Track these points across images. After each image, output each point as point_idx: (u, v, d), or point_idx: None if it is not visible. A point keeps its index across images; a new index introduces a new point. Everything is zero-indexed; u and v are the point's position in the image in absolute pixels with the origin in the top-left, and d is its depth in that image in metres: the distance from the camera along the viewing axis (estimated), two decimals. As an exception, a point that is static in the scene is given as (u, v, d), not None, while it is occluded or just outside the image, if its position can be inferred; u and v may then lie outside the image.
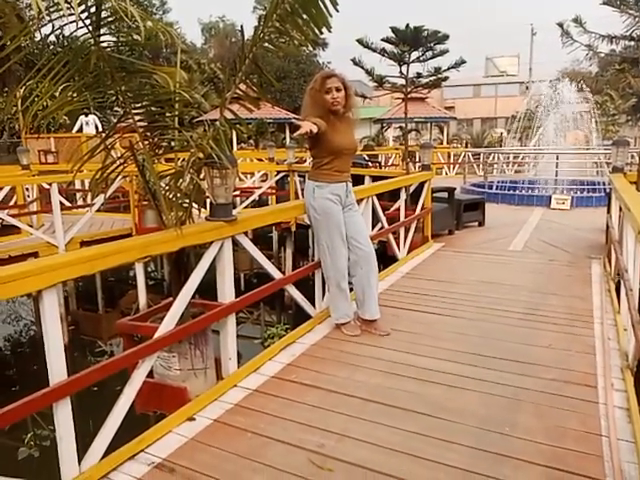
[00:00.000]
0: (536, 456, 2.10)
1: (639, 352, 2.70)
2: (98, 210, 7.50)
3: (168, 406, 2.49)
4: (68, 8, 1.91)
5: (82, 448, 2.01)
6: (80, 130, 12.75)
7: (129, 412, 2.22)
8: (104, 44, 2.42)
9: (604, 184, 9.96)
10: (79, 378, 1.96)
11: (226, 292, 2.77)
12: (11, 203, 8.09)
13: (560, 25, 6.25)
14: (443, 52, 7.50)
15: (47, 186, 7.09)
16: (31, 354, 7.05)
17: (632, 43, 6.37)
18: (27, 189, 8.41)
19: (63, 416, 1.91)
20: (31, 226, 7.35)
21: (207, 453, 2.18)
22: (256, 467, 2.07)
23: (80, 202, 9.36)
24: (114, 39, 2.58)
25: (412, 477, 1.98)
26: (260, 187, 9.60)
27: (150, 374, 2.48)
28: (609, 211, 5.56)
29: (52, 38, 2.58)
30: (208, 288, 2.82)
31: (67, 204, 8.40)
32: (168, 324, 2.41)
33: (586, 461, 2.07)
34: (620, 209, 4.16)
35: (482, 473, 2.00)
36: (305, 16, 2.56)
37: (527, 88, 28.02)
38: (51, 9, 2.08)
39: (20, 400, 1.77)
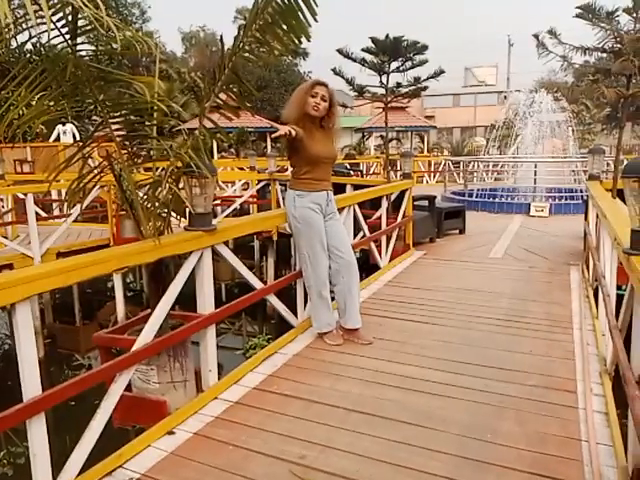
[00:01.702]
0: (518, 462, 2.11)
1: (616, 357, 2.74)
2: (75, 220, 7.38)
3: (147, 420, 2.43)
4: (37, 18, 1.87)
5: (58, 465, 1.95)
6: (57, 139, 12.57)
7: (107, 427, 2.17)
8: (82, 53, 2.39)
9: (582, 191, 10.16)
10: (54, 393, 1.90)
11: (206, 303, 2.74)
12: (-15, 214, 7.92)
13: (536, 36, 6.39)
14: (422, 62, 7.60)
15: (22, 196, 6.96)
16: (4, 369, 6.86)
17: (604, 55, 6.54)
18: (1, 199, 8.24)
19: (37, 432, 1.85)
20: (6, 237, 7.19)
21: (188, 467, 2.13)
22: (237, 481, 2.03)
23: (57, 212, 9.19)
24: (92, 48, 2.55)
25: (395, 487, 1.97)
26: (241, 196, 9.57)
27: (128, 387, 2.43)
28: (586, 218, 5.67)
29: (28, 46, 2.55)
30: (188, 299, 2.79)
31: (43, 214, 8.25)
32: (146, 336, 2.37)
33: (567, 466, 2.08)
34: (597, 216, 4.24)
35: (465, 481, 1.99)
36: (285, 26, 2.57)
37: (505, 97, 28.54)
38: (26, 17, 2.05)
39: (-9, 417, 1.71)
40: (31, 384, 1.83)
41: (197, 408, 2.60)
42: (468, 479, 2.01)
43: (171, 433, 2.39)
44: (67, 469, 1.98)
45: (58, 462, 1.96)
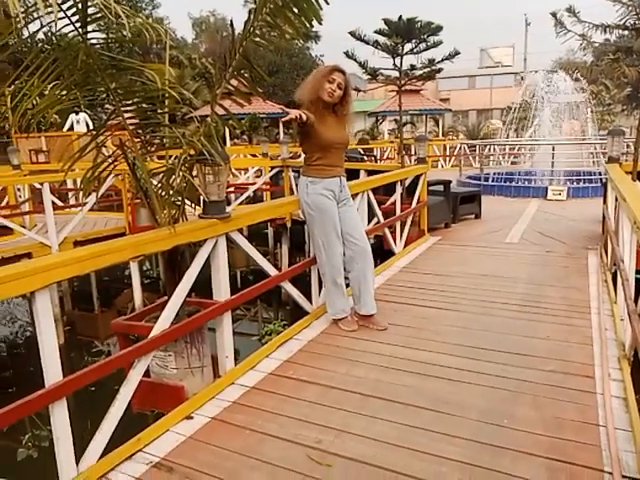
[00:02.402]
0: (535, 447, 2.10)
1: (635, 342, 2.70)
2: (91, 209, 7.45)
3: (165, 405, 2.47)
4: (47, 7, 1.87)
5: (80, 448, 2.00)
6: (71, 129, 12.67)
7: (126, 412, 2.21)
8: (92, 41, 2.38)
9: (600, 174, 9.97)
10: (75, 379, 1.94)
11: (221, 290, 2.75)
12: (2, 204, 8.04)
13: (554, 15, 6.22)
14: (437, 43, 7.45)
15: (39, 186, 7.04)
16: (27, 355, 7.02)
17: (626, 32, 6.35)
18: (19, 189, 8.35)
19: (59, 417, 1.90)
20: (24, 227, 7.30)
21: (205, 451, 2.16)
22: (254, 464, 2.06)
23: (72, 201, 9.30)
24: (103, 36, 2.55)
25: (412, 471, 1.98)
26: (254, 183, 9.56)
27: (147, 373, 2.46)
28: (605, 202, 5.55)
29: (40, 35, 2.55)
30: (204, 286, 2.81)
31: (59, 204, 8.35)
32: (163, 323, 2.39)
33: (584, 451, 2.07)
34: (616, 199, 4.16)
35: (482, 466, 2.00)
36: (296, 9, 2.53)
37: (522, 79, 27.98)
38: (36, 6, 2.04)
39: (16, 402, 1.75)
40: (52, 370, 1.87)
41: (214, 393, 2.63)
42: (485, 464, 2.01)
43: (189, 418, 2.43)
44: (89, 452, 2.02)
45: (80, 445, 2.00)
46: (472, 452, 2.09)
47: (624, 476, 1.90)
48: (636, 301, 2.64)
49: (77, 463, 1.96)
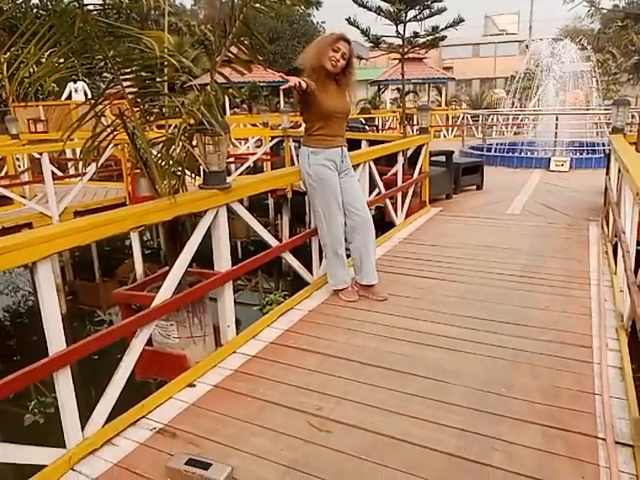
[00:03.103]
0: (532, 415, 2.15)
1: (634, 313, 2.72)
2: (91, 179, 7.41)
3: (168, 373, 2.51)
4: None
5: (84, 415, 2.04)
6: (69, 97, 12.48)
7: (129, 380, 2.25)
8: (89, 7, 2.32)
9: (604, 145, 9.87)
10: (78, 348, 1.97)
11: (222, 260, 2.76)
12: (2, 174, 8.00)
13: (561, -20, 6.04)
14: (441, 10, 7.28)
15: (38, 156, 6.98)
16: (30, 324, 7.10)
17: (635, -2, 6.18)
18: (18, 159, 8.29)
19: (64, 385, 1.93)
20: (24, 197, 7.28)
21: (208, 418, 2.21)
22: (256, 430, 2.11)
23: (72, 171, 9.24)
24: (99, 2, 2.48)
25: (410, 437, 2.02)
26: (255, 153, 9.49)
27: (149, 342, 2.50)
28: (608, 173, 5.52)
29: (35, 0, 2.49)
30: (204, 257, 2.81)
31: (59, 174, 8.30)
32: (165, 293, 2.41)
33: (579, 418, 2.11)
34: (619, 171, 4.13)
35: (479, 432, 2.04)
36: (297, -27, 2.46)
37: (527, 47, 27.41)
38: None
39: (21, 370, 1.78)
40: (56, 339, 1.89)
41: (216, 362, 2.67)
42: (482, 430, 2.05)
43: (191, 385, 2.47)
44: (93, 419, 2.06)
45: (84, 412, 2.04)
46: (470, 419, 2.13)
47: (617, 442, 1.95)
48: (636, 273, 2.65)
49: (82, 429, 2.01)
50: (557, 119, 10.55)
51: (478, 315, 3.15)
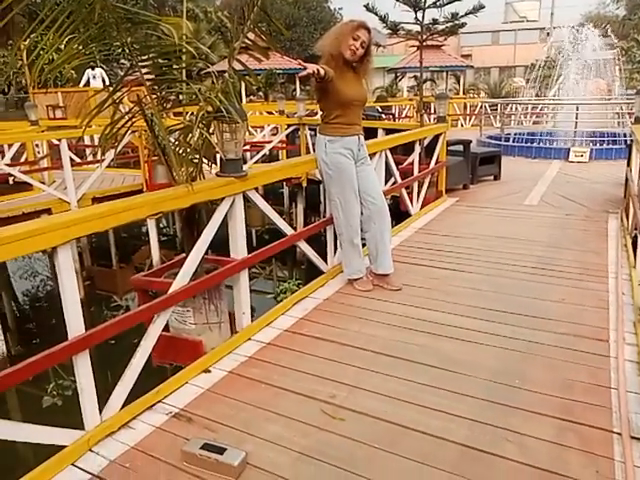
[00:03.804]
0: (545, 407, 2.14)
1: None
2: (108, 166, 7.49)
3: (184, 359, 2.55)
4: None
5: (102, 398, 2.08)
6: (87, 84, 12.57)
7: (146, 365, 2.28)
8: (107, -7, 2.32)
9: (625, 136, 9.66)
10: (97, 332, 2.00)
11: (238, 248, 2.78)
12: (22, 160, 8.11)
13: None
14: (461, -4, 7.13)
15: (57, 142, 7.07)
16: (48, 308, 7.24)
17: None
18: (37, 145, 8.39)
19: (83, 368, 1.97)
20: (43, 183, 7.38)
21: (223, 403, 2.24)
22: (270, 416, 2.13)
23: (90, 158, 9.34)
24: (118, -13, 2.48)
25: (422, 427, 2.03)
26: (270, 141, 9.48)
27: (166, 328, 2.53)
28: (629, 164, 5.41)
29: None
30: (221, 244, 2.84)
31: (77, 160, 8.39)
32: (182, 279, 2.44)
33: (594, 412, 2.10)
34: (641, 161, 4.05)
35: (491, 423, 2.04)
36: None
37: (548, 34, 26.81)
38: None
39: (41, 353, 1.82)
40: (75, 323, 1.93)
41: (231, 348, 2.70)
42: (493, 422, 2.05)
43: (207, 371, 2.51)
44: (111, 402, 2.11)
45: (102, 396, 2.09)
46: (481, 410, 2.13)
47: (633, 437, 1.93)
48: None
49: (100, 412, 2.05)
50: (577, 109, 10.34)
51: (493, 306, 3.14)
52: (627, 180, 5.28)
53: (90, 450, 1.97)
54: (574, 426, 2.02)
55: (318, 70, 2.86)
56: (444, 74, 21.34)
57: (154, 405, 2.24)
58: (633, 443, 1.90)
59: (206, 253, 2.64)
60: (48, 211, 6.53)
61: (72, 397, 4.54)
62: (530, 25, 36.24)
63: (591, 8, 28.91)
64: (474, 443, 1.93)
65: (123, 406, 2.14)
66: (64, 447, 1.91)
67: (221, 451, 1.83)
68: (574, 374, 2.38)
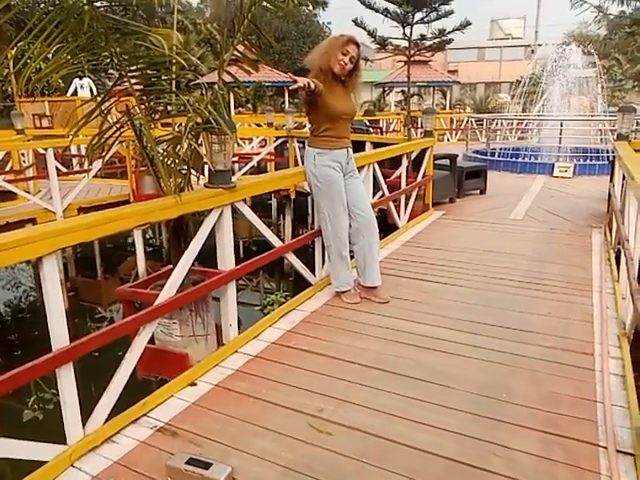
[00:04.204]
0: (531, 421, 2.14)
1: (636, 320, 2.72)
2: (95, 176, 7.43)
3: (170, 371, 2.52)
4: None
5: (85, 411, 2.04)
6: (74, 93, 12.51)
7: (131, 377, 2.25)
8: (97, 4, 2.33)
9: (608, 152, 9.84)
10: (81, 344, 1.97)
11: (226, 259, 2.76)
12: (6, 169, 8.01)
13: (569, -15, 6.04)
14: (448, 13, 7.25)
15: (43, 151, 7.00)
16: (32, 320, 7.11)
17: (643, 5, 6.18)
18: (23, 154, 8.30)
19: (67, 381, 1.93)
20: (28, 192, 7.29)
21: (209, 417, 2.21)
22: (257, 431, 2.11)
23: (77, 167, 9.26)
24: (107, -2, 2.48)
25: (410, 441, 2.02)
26: (259, 153, 9.49)
27: (152, 340, 2.50)
28: (612, 180, 5.51)
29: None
30: (208, 255, 2.82)
31: (63, 170, 8.30)
32: (169, 291, 2.41)
33: (580, 426, 2.11)
34: (623, 178, 4.12)
35: (479, 437, 2.04)
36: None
37: (533, 52, 27.36)
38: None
39: (24, 365, 1.78)
40: (59, 334, 1.89)
41: (218, 361, 2.67)
42: (481, 435, 2.05)
43: (193, 384, 2.47)
44: (95, 416, 2.07)
45: (86, 409, 2.04)
46: (469, 424, 2.13)
47: (619, 450, 1.94)
48: (639, 280, 2.65)
49: (83, 426, 2.01)
50: (562, 125, 10.53)
51: (480, 320, 3.15)
52: (610, 195, 5.37)
53: (72, 466, 1.92)
54: (560, 440, 2.02)
55: (308, 83, 2.88)
56: (431, 89, 21.64)
57: (138, 419, 2.20)
58: (619, 457, 1.91)
59: (193, 264, 2.62)
60: (33, 221, 6.44)
61: (54, 411, 4.43)
62: (515, 42, 36.98)
63: (574, 27, 29.55)
64: (462, 457, 1.93)
65: (107, 420, 2.10)
66: (45, 463, 1.86)
67: (207, 466, 1.81)
68: (560, 387, 2.40)
